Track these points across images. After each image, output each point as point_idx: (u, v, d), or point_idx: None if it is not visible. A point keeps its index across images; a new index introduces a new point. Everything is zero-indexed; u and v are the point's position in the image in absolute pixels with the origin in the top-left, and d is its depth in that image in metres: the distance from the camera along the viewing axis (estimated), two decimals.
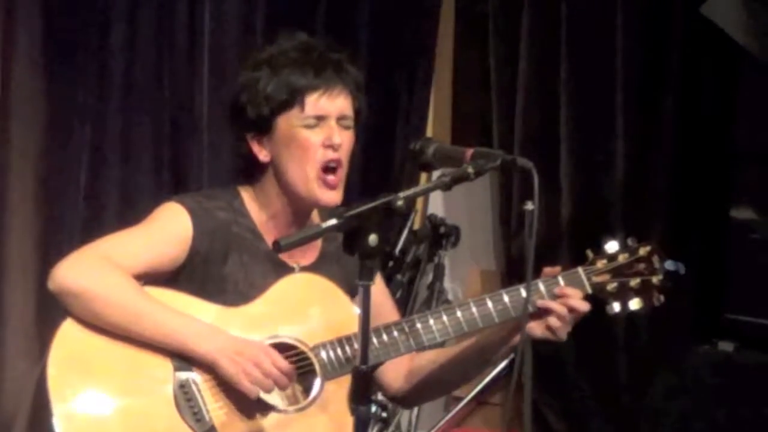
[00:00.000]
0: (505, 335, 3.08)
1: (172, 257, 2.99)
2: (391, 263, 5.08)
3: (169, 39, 4.55)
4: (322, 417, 2.95)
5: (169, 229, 3.00)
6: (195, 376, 2.92)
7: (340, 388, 2.94)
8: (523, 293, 3.00)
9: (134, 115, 4.49)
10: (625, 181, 4.94)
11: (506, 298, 3.04)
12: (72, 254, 2.95)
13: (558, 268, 3.07)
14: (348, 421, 2.58)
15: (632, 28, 4.91)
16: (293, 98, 3.01)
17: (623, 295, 3.09)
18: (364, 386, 2.58)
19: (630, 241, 3.13)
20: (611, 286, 3.08)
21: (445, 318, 3.04)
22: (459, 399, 5.13)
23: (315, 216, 3.12)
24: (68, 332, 2.92)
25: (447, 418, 5.11)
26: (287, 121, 3.02)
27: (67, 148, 4.37)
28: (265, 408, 2.93)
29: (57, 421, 2.84)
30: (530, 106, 5.12)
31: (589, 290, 3.08)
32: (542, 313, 3.03)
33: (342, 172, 3.04)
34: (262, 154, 3.05)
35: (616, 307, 3.09)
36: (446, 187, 2.80)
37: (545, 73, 5.07)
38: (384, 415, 4.60)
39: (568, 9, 5.00)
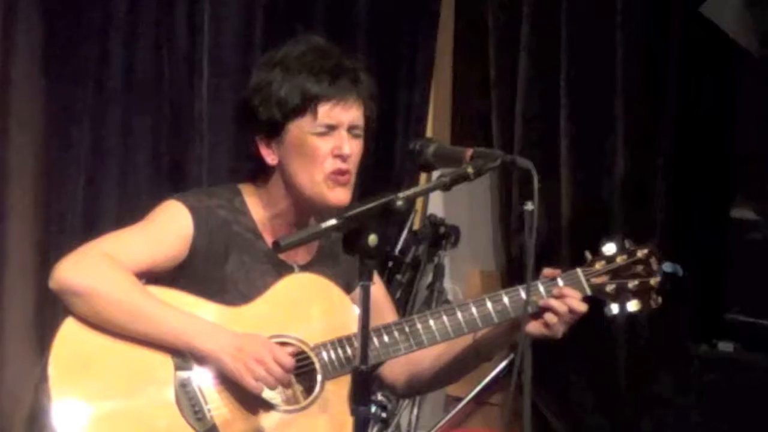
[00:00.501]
0: (503, 333, 3.09)
1: (173, 255, 2.99)
2: (390, 263, 5.08)
3: (168, 38, 4.55)
4: (322, 417, 2.95)
5: (170, 227, 3.00)
6: (196, 375, 2.92)
7: (340, 388, 2.94)
8: (523, 294, 3.00)
9: (134, 115, 4.49)
10: (625, 181, 4.94)
11: (506, 299, 3.05)
12: (73, 253, 2.95)
13: (558, 270, 3.07)
14: (348, 421, 2.58)
15: (632, 28, 4.91)
16: (306, 105, 3.00)
17: (621, 296, 3.10)
18: (363, 386, 2.58)
19: (628, 243, 3.13)
20: (609, 288, 3.09)
21: (444, 318, 3.04)
22: (459, 399, 5.12)
23: (313, 217, 3.12)
24: (69, 331, 2.92)
25: (447, 418, 5.11)
26: (298, 128, 3.01)
27: (66, 147, 4.37)
28: (266, 407, 2.94)
29: (57, 420, 2.84)
30: (530, 106, 5.12)
31: (588, 291, 3.08)
32: (541, 312, 3.04)
33: (350, 181, 3.04)
34: (270, 158, 3.05)
35: (615, 308, 3.10)
36: (446, 187, 2.80)
37: (545, 73, 5.07)
38: (384, 415, 4.60)
39: (568, 9, 4.99)
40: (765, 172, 4.84)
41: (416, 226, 5.27)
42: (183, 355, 2.92)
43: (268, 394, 2.93)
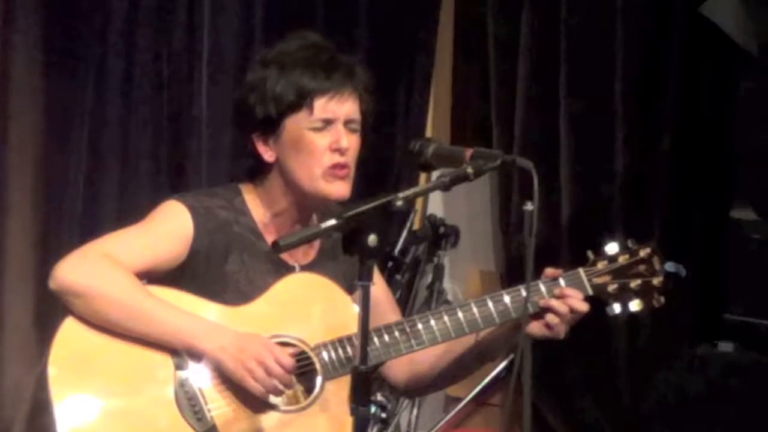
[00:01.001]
0: (506, 333, 3.09)
1: (173, 256, 2.99)
2: (390, 263, 5.07)
3: (168, 38, 4.54)
4: (322, 417, 2.95)
5: (170, 228, 3.00)
6: (196, 375, 2.92)
7: (340, 389, 2.94)
8: (524, 294, 3.00)
9: (133, 115, 4.49)
10: (625, 181, 4.94)
11: (507, 299, 3.05)
12: (73, 253, 2.95)
13: (559, 270, 3.07)
14: (348, 421, 2.58)
15: (632, 28, 4.91)
16: (302, 100, 3.00)
17: (623, 296, 3.10)
18: (363, 387, 2.58)
19: (630, 243, 3.13)
20: (612, 288, 3.09)
21: (446, 318, 3.04)
22: (458, 399, 5.12)
23: (315, 215, 3.11)
24: (68, 331, 2.92)
25: (447, 418, 5.11)
26: (295, 123, 3.01)
27: (65, 148, 4.36)
28: (266, 407, 2.94)
29: (58, 420, 2.84)
30: (529, 106, 5.11)
31: (590, 291, 3.08)
32: (542, 312, 3.04)
33: (349, 174, 3.04)
34: (268, 155, 3.04)
35: (617, 308, 3.10)
36: (446, 187, 2.80)
37: (544, 73, 5.07)
38: (383, 415, 4.59)
39: (568, 9, 4.99)
40: (765, 172, 4.84)
41: (416, 226, 5.27)
42: (183, 355, 2.92)
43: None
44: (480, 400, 5.16)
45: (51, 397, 2.85)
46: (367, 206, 2.63)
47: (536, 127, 5.12)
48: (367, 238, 2.57)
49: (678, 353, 4.86)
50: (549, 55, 5.04)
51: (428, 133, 5.33)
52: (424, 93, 5.31)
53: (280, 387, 2.90)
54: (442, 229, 5.23)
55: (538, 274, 3.05)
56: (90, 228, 4.24)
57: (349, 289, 3.06)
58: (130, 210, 4.16)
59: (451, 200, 5.31)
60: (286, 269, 3.06)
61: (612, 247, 3.11)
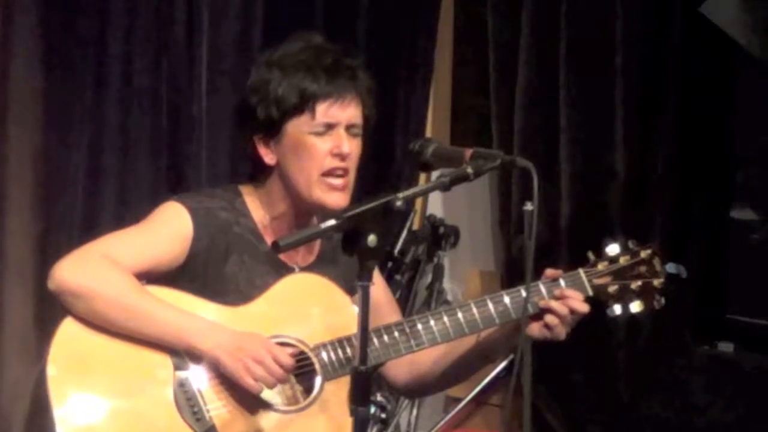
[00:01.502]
0: (507, 334, 3.08)
1: (173, 257, 2.99)
2: (390, 264, 5.07)
3: (167, 38, 4.54)
4: (322, 417, 2.95)
5: (169, 229, 3.00)
6: (195, 375, 2.92)
7: (340, 389, 2.93)
8: (524, 294, 3.00)
9: (132, 115, 4.48)
10: (625, 181, 4.93)
11: (507, 300, 3.05)
12: (72, 253, 2.95)
13: (559, 271, 3.07)
14: (348, 422, 2.58)
15: (632, 28, 4.90)
16: (304, 104, 2.99)
17: (624, 297, 3.10)
18: (363, 387, 2.57)
19: (631, 244, 3.13)
20: (612, 289, 3.09)
21: (445, 319, 3.04)
22: (458, 400, 5.12)
23: (315, 218, 3.11)
24: (68, 331, 2.92)
25: (446, 419, 5.10)
26: (296, 127, 3.01)
27: (65, 147, 4.36)
28: (266, 407, 2.93)
29: (57, 421, 2.84)
30: (529, 106, 5.11)
31: (590, 292, 3.08)
32: (542, 313, 3.03)
33: (349, 179, 3.03)
34: (268, 157, 3.04)
35: (617, 309, 3.10)
36: (445, 187, 2.80)
37: (544, 73, 5.06)
38: (383, 416, 4.59)
39: (568, 9, 4.98)
40: (765, 172, 4.83)
41: (416, 227, 5.27)
42: (182, 355, 2.92)
43: (267, 395, 2.92)
44: (480, 400, 5.16)
45: (50, 397, 2.85)
46: (366, 206, 2.62)
47: (536, 127, 5.11)
48: (366, 239, 2.57)
49: (678, 354, 4.85)
50: (549, 55, 5.03)
51: (428, 133, 5.33)
52: (424, 93, 5.30)
53: (279, 386, 2.90)
54: (441, 230, 5.23)
55: (538, 274, 3.05)
56: (89, 228, 4.24)
57: (350, 292, 3.06)
58: (130, 210, 4.17)
59: (450, 200, 5.30)
60: (285, 271, 3.06)
61: (613, 248, 3.11)
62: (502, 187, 5.18)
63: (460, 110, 5.47)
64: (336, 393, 2.94)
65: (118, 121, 4.46)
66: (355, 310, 2.65)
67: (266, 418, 2.93)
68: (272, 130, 3.01)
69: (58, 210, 4.35)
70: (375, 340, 2.98)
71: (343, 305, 3.04)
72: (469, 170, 2.80)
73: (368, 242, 2.57)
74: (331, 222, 2.61)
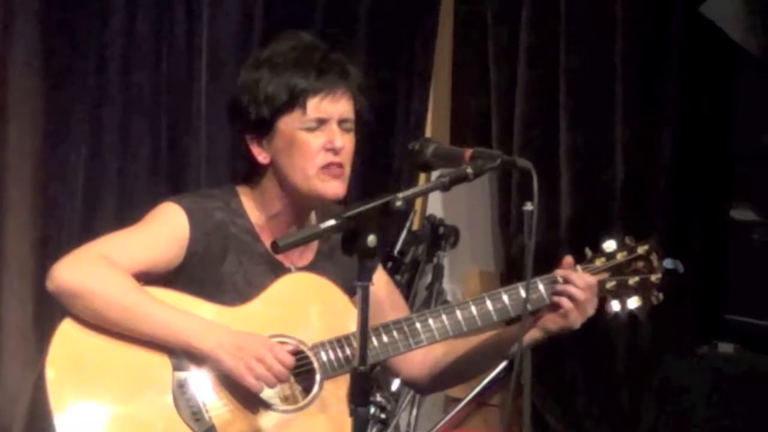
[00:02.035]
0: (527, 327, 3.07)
1: (170, 258, 2.99)
2: (389, 264, 5.07)
3: (166, 38, 4.54)
4: (321, 417, 2.95)
5: (166, 230, 3.00)
6: (194, 375, 2.92)
7: (338, 388, 2.93)
8: (522, 292, 3.00)
9: (132, 116, 4.48)
10: (625, 181, 4.93)
11: (505, 298, 3.05)
12: (70, 254, 2.95)
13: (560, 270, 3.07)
14: (347, 421, 2.58)
15: (632, 28, 4.91)
16: (294, 100, 2.99)
17: (622, 293, 3.10)
18: (362, 387, 2.57)
19: (628, 240, 3.13)
20: (610, 285, 3.09)
21: (444, 317, 3.04)
22: (458, 400, 5.11)
23: (313, 217, 3.11)
24: (67, 332, 2.92)
25: (446, 419, 5.10)
26: (288, 124, 3.00)
27: (64, 148, 4.36)
28: (265, 407, 2.93)
29: (56, 423, 2.83)
30: (529, 106, 5.11)
31: None
32: (553, 306, 3.02)
33: (344, 173, 3.03)
34: (262, 156, 3.04)
35: (615, 305, 3.10)
36: (445, 187, 2.80)
37: (544, 73, 5.06)
38: (383, 416, 4.59)
39: (568, 9, 4.98)
40: (765, 172, 4.83)
41: (415, 227, 5.26)
42: (181, 356, 2.91)
43: (266, 394, 2.92)
44: (479, 400, 5.16)
45: (49, 398, 2.84)
46: (366, 206, 2.62)
47: (536, 127, 5.11)
48: (366, 239, 2.57)
49: (678, 354, 4.85)
50: (549, 56, 5.03)
51: (428, 133, 5.33)
52: (424, 93, 5.30)
53: (278, 386, 2.90)
54: (441, 230, 5.23)
55: (537, 274, 3.04)
56: (88, 228, 4.24)
57: (349, 291, 3.05)
58: (129, 210, 4.16)
59: (450, 200, 5.30)
60: (282, 271, 3.06)
61: (610, 244, 3.11)
62: (502, 188, 5.18)
63: (460, 110, 5.47)
64: (335, 392, 2.94)
65: (117, 121, 4.46)
66: (353, 309, 2.65)
67: (266, 418, 2.93)
68: (264, 128, 3.01)
69: (57, 210, 4.35)
70: (374, 340, 2.97)
71: (342, 304, 3.04)
72: (469, 170, 2.79)
73: (368, 242, 2.57)
74: (331, 222, 2.61)
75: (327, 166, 2.99)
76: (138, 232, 3.01)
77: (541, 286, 3.05)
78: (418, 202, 5.30)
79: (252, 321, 2.96)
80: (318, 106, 3.00)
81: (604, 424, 5.00)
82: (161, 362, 2.91)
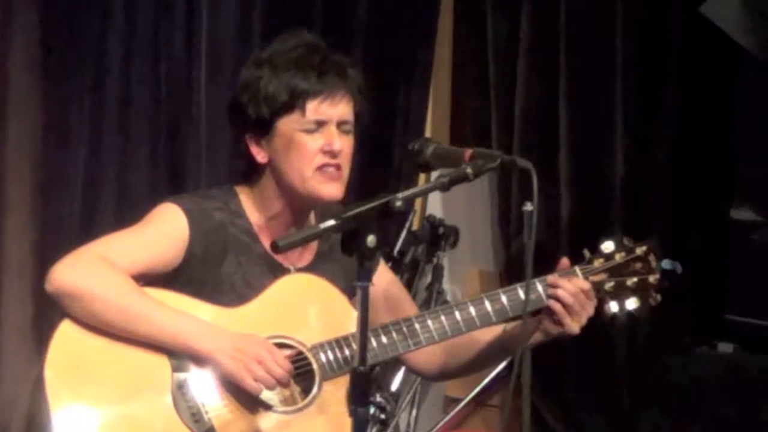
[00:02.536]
0: (532, 328, 3.07)
1: (169, 258, 2.98)
2: (389, 264, 5.06)
3: (166, 38, 4.53)
4: (320, 418, 2.95)
5: (165, 231, 2.99)
6: (193, 377, 2.91)
7: (338, 389, 2.94)
8: (521, 292, 3.00)
9: (131, 116, 4.48)
10: (625, 181, 4.94)
11: (504, 298, 3.05)
12: (69, 255, 2.94)
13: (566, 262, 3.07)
14: (347, 422, 2.57)
15: (632, 28, 4.91)
16: (294, 102, 2.98)
17: (620, 294, 3.10)
18: (362, 387, 2.57)
19: (627, 241, 3.13)
20: (608, 285, 3.08)
21: (443, 318, 3.04)
22: (458, 400, 5.12)
23: (312, 217, 3.11)
24: (66, 334, 2.91)
25: (446, 419, 5.10)
26: (287, 125, 3.00)
27: (64, 148, 4.36)
28: (264, 408, 2.93)
29: (54, 423, 2.83)
30: (529, 107, 5.11)
31: None
32: (547, 310, 3.02)
33: (342, 175, 3.02)
34: (260, 156, 3.03)
35: (614, 306, 3.10)
36: (445, 187, 2.79)
37: (544, 74, 5.07)
38: (382, 416, 4.59)
39: (568, 9, 4.98)
40: (765, 172, 4.83)
41: (415, 227, 5.26)
42: (180, 357, 2.91)
43: (265, 395, 2.92)
44: (479, 400, 5.16)
45: (48, 400, 2.84)
46: (366, 207, 2.62)
47: (536, 127, 5.11)
48: (366, 239, 2.56)
49: (678, 354, 4.85)
50: (549, 55, 5.03)
51: (428, 133, 5.33)
52: (423, 93, 5.30)
53: (278, 387, 2.89)
54: (441, 230, 5.23)
55: (537, 274, 3.04)
56: (88, 228, 4.24)
57: (349, 291, 3.05)
58: (128, 211, 4.15)
59: (450, 200, 5.30)
60: (281, 271, 3.05)
61: (608, 245, 3.11)
62: (502, 188, 5.18)
63: (460, 110, 5.47)
64: (334, 393, 2.94)
65: (117, 121, 4.45)
66: (353, 309, 2.65)
67: (265, 419, 2.92)
68: (263, 128, 3.01)
69: (57, 211, 4.35)
70: (373, 341, 2.97)
71: (341, 305, 3.04)
72: (469, 170, 2.79)
73: (368, 242, 2.57)
74: (331, 222, 2.61)
75: (323, 167, 2.99)
76: (137, 233, 3.00)
77: (539, 287, 3.05)
78: (418, 202, 5.30)
79: (251, 322, 2.96)
80: (317, 108, 2.99)
81: (604, 424, 5.00)
82: (160, 363, 2.91)
